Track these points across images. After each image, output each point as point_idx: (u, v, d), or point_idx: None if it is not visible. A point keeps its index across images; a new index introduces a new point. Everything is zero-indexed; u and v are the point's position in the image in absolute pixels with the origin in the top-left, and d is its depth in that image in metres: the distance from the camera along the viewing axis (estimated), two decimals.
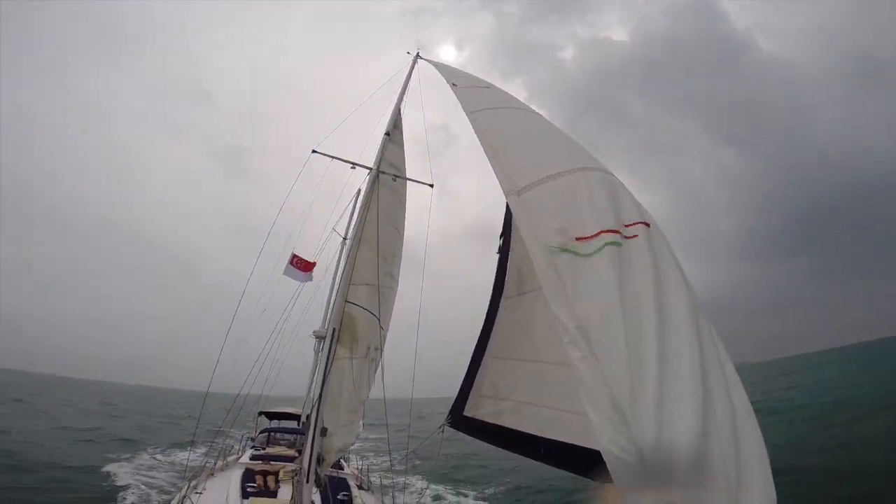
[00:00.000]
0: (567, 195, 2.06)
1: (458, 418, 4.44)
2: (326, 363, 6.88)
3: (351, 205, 13.92)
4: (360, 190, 12.84)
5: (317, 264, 13.87)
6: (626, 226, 1.99)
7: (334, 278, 14.10)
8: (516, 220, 2.07)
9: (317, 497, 6.74)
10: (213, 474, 9.50)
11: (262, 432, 14.09)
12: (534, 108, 3.71)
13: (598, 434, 1.44)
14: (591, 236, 1.90)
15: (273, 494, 7.76)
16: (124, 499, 12.63)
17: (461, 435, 4.62)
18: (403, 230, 8.27)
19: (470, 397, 4.37)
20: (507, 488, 16.24)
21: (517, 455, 3.79)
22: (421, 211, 8.54)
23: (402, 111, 7.88)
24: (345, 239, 14.68)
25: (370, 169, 7.60)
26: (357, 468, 12.36)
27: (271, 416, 16.14)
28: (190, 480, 8.67)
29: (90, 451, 18.92)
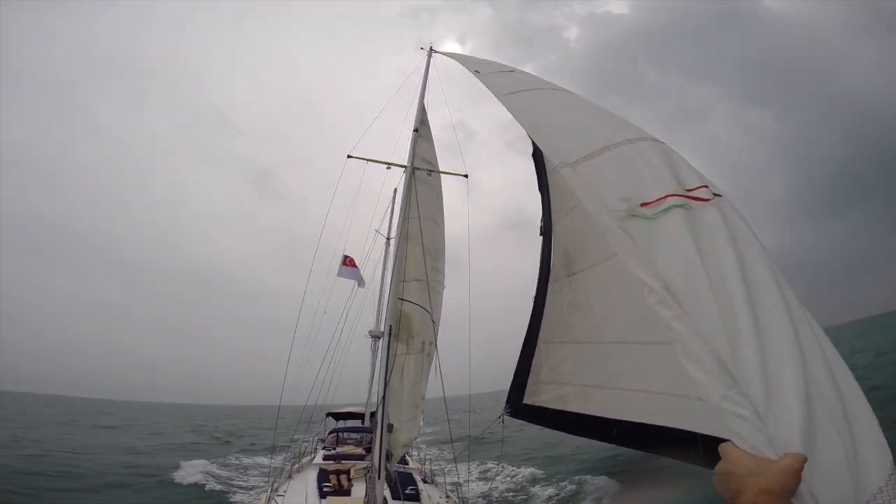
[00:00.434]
0: (624, 165, 1.99)
1: (518, 407, 4.36)
2: (388, 360, 7.05)
3: (390, 204, 14.24)
4: (395, 189, 13.15)
5: (360, 267, 14.29)
6: (689, 190, 1.90)
7: (382, 278, 14.48)
8: (576, 191, 2.00)
9: (387, 492, 6.92)
10: (291, 476, 10.05)
11: (330, 433, 14.66)
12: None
13: (708, 392, 1.35)
14: (656, 201, 1.80)
15: (347, 492, 8.07)
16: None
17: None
18: (443, 224, 8.39)
19: (528, 384, 4.27)
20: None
21: (588, 440, 3.70)
22: (451, 206, 8.63)
23: (426, 106, 7.94)
24: (388, 239, 14.99)
25: (405, 167, 7.72)
26: (420, 463, 12.62)
27: (337, 416, 16.73)
28: (272, 483, 9.20)
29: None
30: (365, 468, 8.44)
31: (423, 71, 8.01)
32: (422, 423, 8.37)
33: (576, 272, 3.86)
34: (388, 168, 8.68)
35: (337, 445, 13.33)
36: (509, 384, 4.49)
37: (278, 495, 8.35)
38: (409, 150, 7.72)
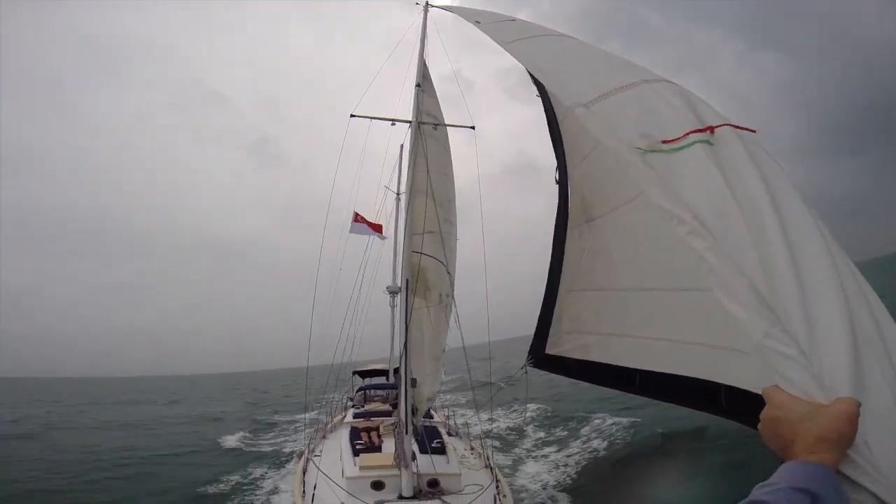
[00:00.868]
0: (642, 104, 1.91)
1: (541, 357, 4.37)
2: (406, 315, 7.12)
3: (398, 161, 14.06)
4: (402, 145, 12.94)
5: (381, 224, 14.40)
6: (712, 127, 1.76)
7: (395, 232, 14.52)
8: (592, 130, 1.90)
9: (415, 446, 7.16)
10: (325, 436, 10.51)
11: (358, 391, 15.16)
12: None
13: (748, 329, 1.22)
14: (679, 138, 1.69)
15: (378, 449, 8.36)
16: None
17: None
18: (453, 176, 8.33)
19: (550, 335, 4.27)
20: None
21: (610, 390, 3.71)
22: (459, 157, 8.58)
23: (425, 62, 7.91)
24: (398, 194, 14.88)
25: (409, 122, 7.68)
26: (444, 416, 12.99)
27: (363, 374, 17.21)
28: (308, 445, 9.65)
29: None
30: (392, 424, 8.69)
31: (418, 27, 8.00)
32: (443, 376, 8.54)
33: (594, 218, 3.73)
34: (392, 124, 8.68)
35: (365, 403, 13.79)
36: (522, 332, 4.50)
37: (315, 455, 8.72)
38: (412, 105, 7.67)
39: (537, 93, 5.17)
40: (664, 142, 1.69)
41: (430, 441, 7.83)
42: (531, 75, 3.62)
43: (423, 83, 7.77)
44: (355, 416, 11.50)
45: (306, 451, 9.22)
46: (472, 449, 9.54)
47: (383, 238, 14.54)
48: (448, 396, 22.36)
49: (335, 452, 8.61)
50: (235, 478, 12.14)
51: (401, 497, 6.65)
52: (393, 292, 13.39)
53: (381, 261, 14.03)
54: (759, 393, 1.15)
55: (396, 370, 8.23)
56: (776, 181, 1.53)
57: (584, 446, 12.69)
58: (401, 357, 7.27)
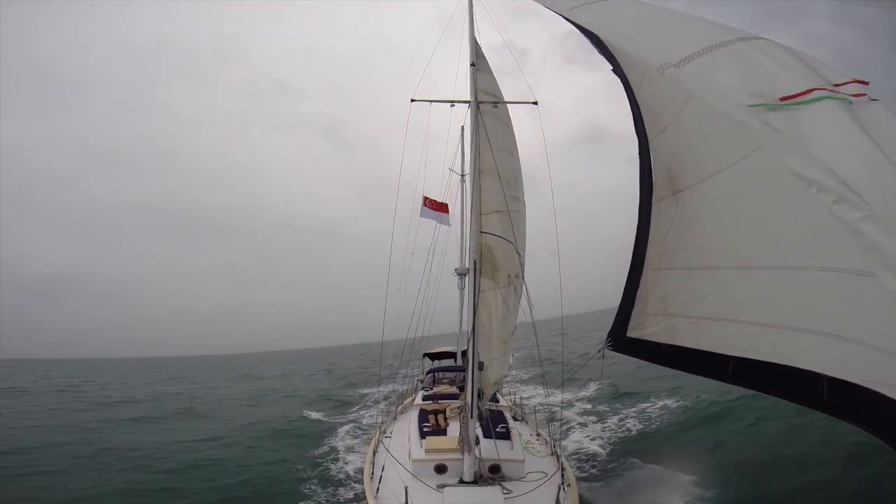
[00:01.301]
0: (744, 61, 1.64)
1: (622, 340, 4.11)
2: (475, 297, 7.06)
3: (459, 142, 13.93)
4: (462, 127, 12.79)
5: (446, 203, 14.53)
6: (838, 84, 1.48)
7: (461, 214, 14.51)
8: (689, 89, 1.69)
9: (479, 431, 7.13)
10: (396, 418, 10.84)
11: (428, 373, 15.50)
12: None
13: None
14: (799, 94, 1.42)
15: (444, 432, 8.43)
16: None
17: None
18: (518, 153, 8.11)
19: (633, 316, 3.99)
20: None
21: (700, 377, 3.42)
22: (522, 131, 8.39)
23: (476, 40, 7.79)
24: (462, 176, 14.79)
25: (468, 102, 7.60)
26: (511, 400, 12.87)
27: (433, 356, 17.56)
28: (380, 426, 9.99)
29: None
30: (458, 407, 8.72)
31: (465, 4, 7.93)
32: (511, 360, 8.42)
33: (682, 189, 3.40)
34: (451, 106, 8.56)
35: (434, 385, 14.05)
36: (592, 307, 4.25)
37: (386, 437, 9.03)
38: (469, 85, 7.57)
39: (606, 62, 4.80)
40: (783, 98, 1.44)
41: (495, 426, 7.77)
42: (594, 42, 3.36)
43: (478, 61, 7.63)
44: (424, 397, 11.73)
45: (377, 433, 9.54)
46: (539, 435, 9.39)
47: (449, 225, 14.60)
48: (514, 373, 22.23)
49: (404, 435, 8.83)
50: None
51: (461, 481, 6.66)
52: (461, 274, 13.41)
53: (449, 243, 14.18)
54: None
55: (465, 353, 8.23)
56: None
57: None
58: (469, 340, 7.24)
